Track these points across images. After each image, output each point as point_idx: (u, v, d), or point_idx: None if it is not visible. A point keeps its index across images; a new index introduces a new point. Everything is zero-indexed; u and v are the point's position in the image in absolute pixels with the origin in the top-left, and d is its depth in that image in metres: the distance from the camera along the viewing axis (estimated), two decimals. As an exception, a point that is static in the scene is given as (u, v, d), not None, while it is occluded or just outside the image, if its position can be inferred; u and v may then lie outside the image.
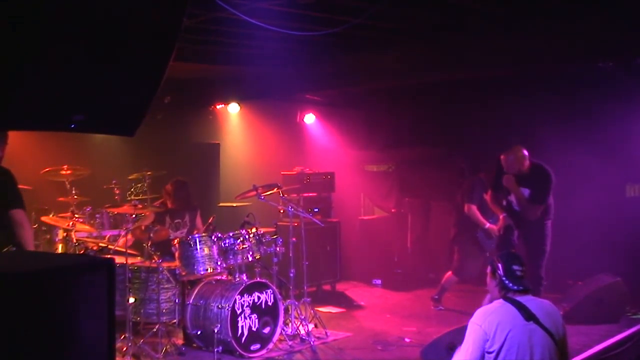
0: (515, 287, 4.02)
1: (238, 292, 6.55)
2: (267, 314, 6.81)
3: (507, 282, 4.03)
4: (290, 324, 7.22)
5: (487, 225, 8.24)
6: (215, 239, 6.87)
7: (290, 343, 6.97)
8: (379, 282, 10.38)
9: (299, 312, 7.34)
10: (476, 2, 6.36)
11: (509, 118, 9.37)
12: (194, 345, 6.80)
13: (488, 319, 3.91)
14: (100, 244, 7.21)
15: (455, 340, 5.36)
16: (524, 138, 9.27)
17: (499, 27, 7.12)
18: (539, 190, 7.57)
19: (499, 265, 4.10)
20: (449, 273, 8.57)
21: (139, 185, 8.35)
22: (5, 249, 5.09)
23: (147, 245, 7.02)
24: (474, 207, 8.27)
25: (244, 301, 6.62)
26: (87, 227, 7.52)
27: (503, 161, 7.61)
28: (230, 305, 6.45)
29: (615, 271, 8.00)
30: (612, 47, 6.72)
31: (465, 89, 9.48)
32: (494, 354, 3.87)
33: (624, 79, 7.86)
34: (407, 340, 7.33)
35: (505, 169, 7.60)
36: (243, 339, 6.56)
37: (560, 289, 8.60)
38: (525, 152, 7.59)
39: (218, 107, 10.56)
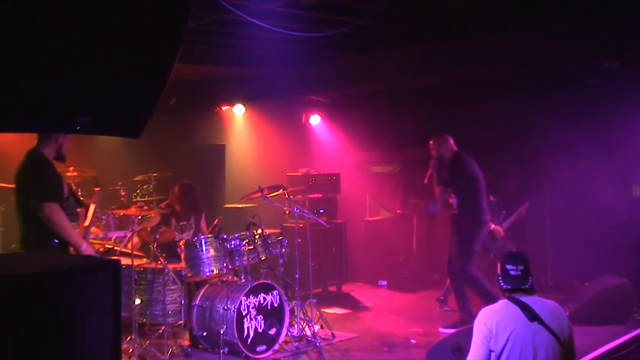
0: (506, 287, 4.03)
1: (244, 293, 6.56)
2: (272, 315, 6.81)
3: (500, 281, 4.07)
4: (296, 325, 7.22)
5: (492, 226, 8.23)
6: (221, 241, 6.87)
7: (296, 344, 6.97)
8: (384, 283, 10.37)
9: (304, 313, 7.34)
10: (477, 3, 6.36)
11: (514, 118, 9.37)
12: (200, 346, 6.81)
13: (491, 318, 3.93)
14: (106, 246, 7.22)
15: (461, 341, 5.38)
16: (528, 138, 9.30)
17: (502, 27, 7.11)
18: (447, 174, 7.81)
19: (498, 265, 4.14)
20: (453, 273, 8.56)
21: (145, 186, 8.35)
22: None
23: (153, 246, 7.04)
24: (477, 208, 8.26)
25: (249, 302, 6.63)
26: (93, 229, 7.53)
27: (431, 145, 7.97)
28: (236, 307, 6.46)
29: (622, 272, 7.98)
30: (617, 47, 6.70)
31: (469, 90, 9.48)
32: (497, 353, 3.88)
33: (630, 79, 7.85)
34: (413, 341, 7.32)
35: (433, 153, 7.94)
36: (249, 340, 6.57)
37: (566, 289, 8.59)
38: (451, 140, 7.90)
39: (223, 108, 10.57)
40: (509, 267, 4.07)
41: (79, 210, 5.54)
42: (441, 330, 7.62)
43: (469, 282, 7.74)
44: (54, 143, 5.32)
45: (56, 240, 5.13)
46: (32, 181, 5.23)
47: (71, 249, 5.19)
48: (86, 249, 5.26)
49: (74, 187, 5.71)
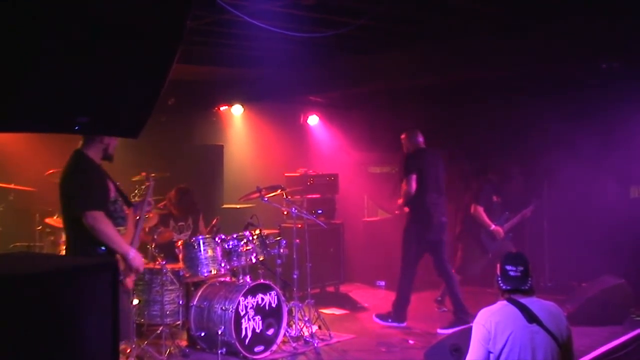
0: (505, 287, 4.03)
1: (242, 293, 6.56)
2: (270, 315, 6.81)
3: (500, 282, 4.06)
4: (293, 326, 7.21)
5: (493, 227, 8.24)
6: (219, 241, 6.87)
7: (294, 345, 6.97)
8: (382, 283, 10.37)
9: (302, 313, 7.34)
10: (477, 3, 6.36)
11: (513, 119, 9.38)
12: (198, 347, 6.81)
13: (490, 319, 3.93)
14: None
15: (459, 342, 5.38)
16: (527, 139, 9.30)
17: (502, 27, 7.12)
18: (406, 164, 7.95)
19: (498, 266, 4.14)
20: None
21: (143, 187, 8.35)
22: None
23: (151, 247, 7.03)
24: (480, 209, 8.27)
25: (247, 303, 6.63)
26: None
27: (402, 139, 8.12)
28: (234, 307, 6.45)
29: (620, 273, 8.00)
30: (617, 48, 6.71)
31: (468, 90, 9.48)
32: (496, 355, 3.87)
33: (629, 80, 7.86)
34: (410, 342, 7.32)
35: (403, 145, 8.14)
36: (247, 340, 6.56)
37: (564, 290, 8.60)
38: (419, 137, 8.03)
39: (222, 108, 10.57)
40: (508, 267, 4.07)
41: (127, 211, 5.24)
42: (439, 331, 7.64)
43: (401, 274, 8.01)
44: (99, 143, 5.02)
45: (102, 248, 4.85)
46: (75, 187, 4.91)
47: (118, 256, 4.89)
48: (134, 257, 4.94)
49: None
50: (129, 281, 5.00)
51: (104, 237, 4.80)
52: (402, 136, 8.14)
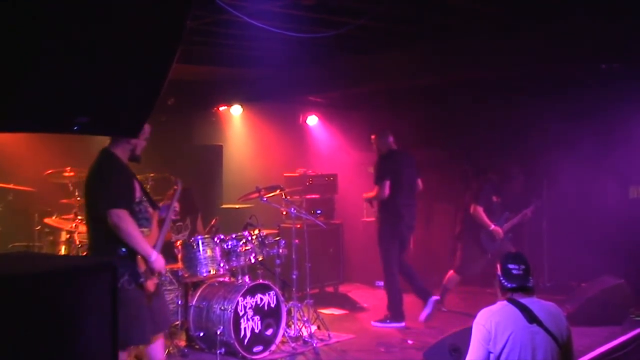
0: (510, 285, 4.02)
1: (241, 294, 6.55)
2: (269, 315, 6.81)
3: (503, 281, 4.05)
4: (292, 326, 7.21)
5: (492, 227, 8.24)
6: (217, 241, 6.87)
7: (292, 345, 6.97)
8: (381, 284, 10.32)
9: (301, 314, 7.34)
10: (477, 3, 6.36)
11: (513, 119, 9.38)
12: (197, 347, 6.81)
13: (490, 319, 3.92)
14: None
15: (458, 342, 5.38)
16: (527, 139, 9.30)
17: (501, 28, 7.12)
18: (379, 168, 8.09)
19: (498, 266, 4.13)
20: (451, 272, 8.58)
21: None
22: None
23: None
24: (479, 209, 8.27)
25: (246, 303, 6.62)
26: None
27: (372, 140, 8.31)
28: (233, 307, 6.45)
29: (619, 273, 8.00)
30: (617, 48, 6.71)
31: (467, 91, 9.48)
32: (496, 355, 3.87)
33: (628, 81, 7.87)
34: (410, 342, 7.32)
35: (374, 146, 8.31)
36: (246, 340, 6.56)
37: (563, 290, 8.60)
38: (390, 138, 8.16)
39: (221, 109, 10.57)
40: (511, 266, 4.07)
41: (152, 213, 5.15)
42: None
43: (385, 275, 8.27)
44: (126, 144, 4.94)
45: (124, 249, 4.77)
46: (100, 185, 4.83)
47: (139, 257, 4.81)
48: (156, 260, 4.85)
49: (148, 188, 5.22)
50: (151, 284, 4.89)
51: (127, 237, 4.72)
52: (373, 137, 8.29)
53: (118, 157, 4.92)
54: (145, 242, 4.85)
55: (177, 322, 7.01)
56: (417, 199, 8.29)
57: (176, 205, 5.42)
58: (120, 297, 4.71)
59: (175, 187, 5.66)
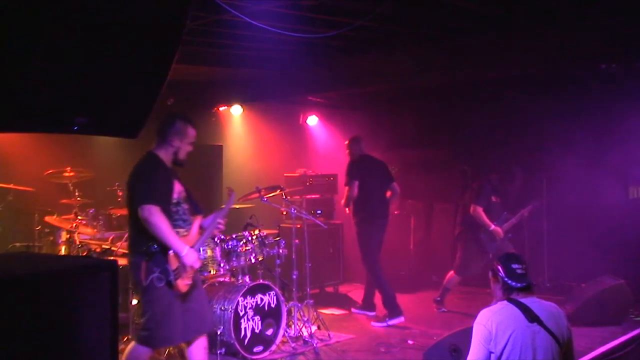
0: (518, 285, 4.02)
1: (241, 294, 6.55)
2: (270, 316, 6.81)
3: (509, 281, 4.03)
4: (293, 326, 7.22)
5: (492, 227, 8.23)
6: (218, 241, 6.86)
7: (293, 345, 6.97)
8: (382, 284, 10.35)
9: (301, 314, 7.34)
10: (478, 4, 6.36)
11: (512, 120, 9.38)
12: (197, 347, 6.80)
13: (491, 319, 3.92)
14: (103, 246, 7.21)
15: (458, 342, 5.37)
16: (526, 139, 9.31)
17: (501, 28, 7.12)
18: (349, 170, 8.46)
19: (499, 267, 4.11)
20: (451, 272, 8.57)
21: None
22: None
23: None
24: (479, 209, 8.26)
25: (246, 303, 6.62)
26: (90, 229, 7.52)
27: (346, 146, 8.70)
28: (233, 307, 6.45)
29: (619, 273, 8.00)
30: (615, 50, 6.71)
31: (468, 91, 9.49)
32: (497, 355, 3.87)
33: (627, 81, 7.87)
34: (410, 342, 7.32)
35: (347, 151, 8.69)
36: (246, 340, 6.56)
37: (563, 291, 8.61)
38: (362, 144, 8.62)
39: (221, 109, 10.57)
40: (515, 266, 4.07)
41: (193, 218, 5.25)
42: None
43: (370, 275, 8.45)
44: (169, 147, 5.08)
45: (155, 246, 4.82)
46: (136, 182, 4.94)
47: (171, 253, 4.84)
48: (188, 254, 4.88)
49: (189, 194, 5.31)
50: (182, 284, 4.90)
51: (157, 231, 4.76)
52: (346, 143, 8.69)
53: (160, 159, 5.03)
54: (175, 236, 4.89)
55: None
56: (392, 201, 8.64)
57: (221, 222, 5.53)
58: (150, 294, 4.79)
59: (230, 194, 5.78)
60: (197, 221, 5.30)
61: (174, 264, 4.86)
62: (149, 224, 4.74)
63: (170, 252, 4.85)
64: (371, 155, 8.66)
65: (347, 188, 8.36)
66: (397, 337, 7.52)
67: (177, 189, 5.11)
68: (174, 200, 5.04)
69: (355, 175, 8.33)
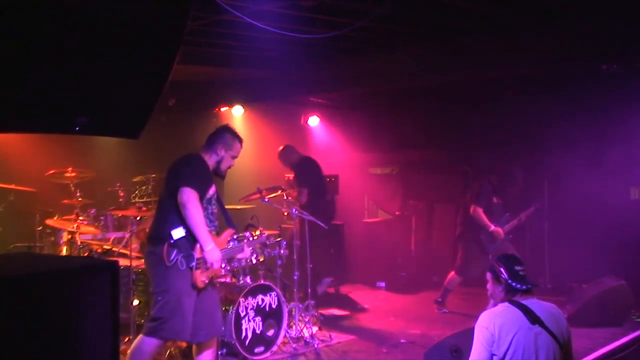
0: (523, 287, 4.02)
1: (242, 294, 6.55)
2: (271, 316, 6.81)
3: (513, 283, 4.03)
4: (294, 327, 7.22)
5: (492, 228, 8.23)
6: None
7: (294, 346, 6.97)
8: (382, 284, 10.37)
9: (302, 314, 7.34)
10: (479, 4, 6.36)
11: (513, 120, 9.38)
12: (198, 347, 6.80)
13: (493, 322, 3.91)
14: (105, 246, 7.22)
15: (459, 343, 5.37)
16: (527, 140, 9.30)
17: (501, 28, 7.12)
18: (298, 176, 8.73)
19: (501, 269, 4.10)
20: (452, 273, 8.57)
21: (143, 187, 8.36)
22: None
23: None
24: (479, 210, 8.26)
25: (248, 304, 6.62)
26: (91, 230, 7.53)
27: (278, 155, 8.97)
28: (234, 308, 6.45)
29: (620, 274, 7.99)
30: (616, 50, 6.71)
31: (469, 91, 9.48)
32: (499, 357, 3.87)
33: (629, 82, 7.86)
34: (411, 343, 7.31)
35: (281, 162, 8.98)
36: (247, 341, 6.56)
37: (564, 291, 8.60)
38: (296, 149, 8.98)
39: (222, 109, 10.57)
40: (517, 268, 4.07)
41: (217, 222, 5.37)
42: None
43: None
44: (214, 154, 5.29)
45: (183, 233, 4.93)
46: (182, 168, 5.09)
47: (198, 247, 4.98)
48: (211, 250, 4.98)
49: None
50: (200, 277, 4.99)
51: (191, 218, 4.87)
52: (280, 150, 8.95)
53: (205, 160, 5.23)
54: (205, 229, 4.99)
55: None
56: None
57: (247, 250, 5.84)
58: (168, 279, 4.89)
59: (257, 232, 5.94)
60: (229, 232, 5.45)
61: (198, 253, 4.97)
62: (186, 208, 4.85)
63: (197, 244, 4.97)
64: (310, 158, 9.02)
65: (297, 193, 8.47)
66: (398, 338, 7.52)
67: (213, 189, 5.26)
68: (208, 196, 5.18)
69: (303, 180, 8.61)
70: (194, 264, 4.93)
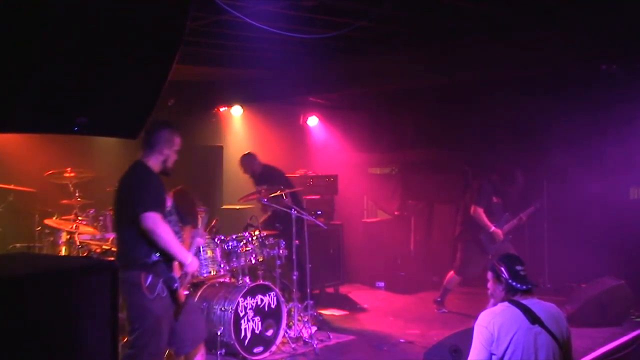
0: (524, 287, 4.01)
1: (241, 294, 6.55)
2: (270, 316, 6.81)
3: (514, 283, 4.03)
4: (293, 327, 7.21)
5: (492, 228, 8.22)
6: (218, 242, 6.86)
7: (293, 346, 6.97)
8: (382, 284, 10.36)
9: (302, 314, 7.34)
10: (479, 4, 6.36)
11: (512, 121, 9.37)
12: (197, 347, 6.79)
13: (493, 321, 3.91)
14: (104, 247, 7.20)
15: (458, 343, 5.37)
16: (527, 140, 9.30)
17: (501, 30, 7.12)
18: (272, 183, 8.26)
19: (502, 269, 4.09)
20: (451, 273, 8.56)
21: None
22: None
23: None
24: (480, 210, 8.25)
25: (247, 304, 6.62)
26: (90, 230, 7.52)
27: (240, 164, 8.97)
28: (234, 308, 6.45)
29: (619, 274, 7.99)
30: (616, 50, 6.71)
31: (468, 92, 9.48)
32: (498, 357, 3.87)
33: (628, 82, 7.86)
34: (410, 342, 7.31)
35: (243, 171, 8.95)
36: (246, 341, 6.56)
37: (563, 291, 8.60)
38: (258, 156, 8.93)
39: (221, 109, 10.57)
40: (518, 268, 4.07)
41: (180, 227, 5.15)
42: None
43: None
44: (159, 155, 4.93)
45: (156, 255, 4.71)
46: (134, 189, 4.80)
47: (176, 263, 4.80)
48: (192, 262, 4.86)
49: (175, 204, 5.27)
50: (182, 293, 4.83)
51: (162, 241, 4.67)
52: (243, 161, 8.91)
53: (152, 169, 4.92)
54: (180, 245, 4.84)
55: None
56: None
57: (200, 232, 5.48)
58: (146, 308, 4.64)
59: (201, 214, 5.67)
60: (188, 232, 5.25)
61: (177, 271, 4.81)
62: (154, 233, 4.63)
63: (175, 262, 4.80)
64: (270, 165, 8.94)
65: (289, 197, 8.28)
66: (398, 338, 7.51)
67: (169, 201, 5.03)
68: (167, 209, 4.95)
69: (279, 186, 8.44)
70: (177, 284, 4.77)
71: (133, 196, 4.76)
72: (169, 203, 5.01)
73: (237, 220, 8.84)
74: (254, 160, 8.86)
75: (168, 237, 4.70)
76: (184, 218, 5.26)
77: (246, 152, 9.01)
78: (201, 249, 6.74)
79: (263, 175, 8.69)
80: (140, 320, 4.71)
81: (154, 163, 4.94)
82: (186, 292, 4.93)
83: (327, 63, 8.69)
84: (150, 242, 4.66)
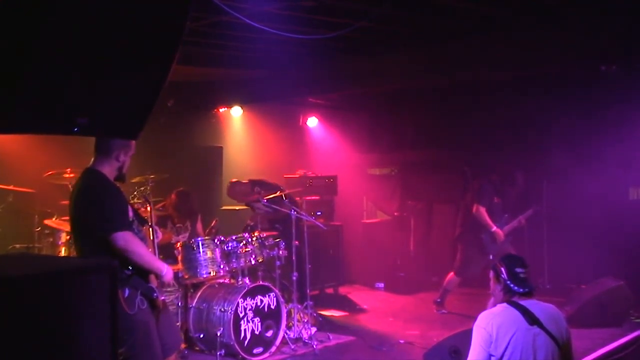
0: (521, 290, 4.01)
1: (241, 295, 6.55)
2: (269, 317, 6.81)
3: (511, 285, 4.02)
4: (292, 328, 7.21)
5: (494, 228, 8.22)
6: (218, 242, 6.86)
7: (292, 346, 6.96)
8: (381, 285, 10.37)
9: (301, 315, 7.33)
10: (478, 4, 6.36)
11: (512, 121, 9.38)
12: (197, 348, 6.80)
13: (491, 322, 3.91)
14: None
15: (458, 343, 5.37)
16: (527, 140, 9.31)
17: (501, 30, 7.12)
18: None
19: (502, 269, 4.09)
20: (451, 274, 8.56)
21: (142, 188, 8.34)
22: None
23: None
24: (482, 209, 8.24)
25: (246, 304, 6.62)
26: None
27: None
28: (233, 309, 6.45)
29: (619, 275, 7.99)
30: (616, 50, 6.71)
31: (468, 92, 9.48)
32: (497, 358, 3.87)
33: (628, 82, 7.87)
34: (410, 343, 7.31)
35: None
36: (246, 342, 6.56)
37: (563, 292, 8.60)
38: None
39: (221, 110, 10.56)
40: (518, 270, 4.06)
41: (143, 228, 4.89)
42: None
43: None
44: (114, 161, 4.53)
45: (127, 270, 4.43)
46: (95, 208, 4.42)
47: (152, 276, 4.58)
48: (167, 271, 4.59)
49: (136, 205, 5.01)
50: (160, 301, 4.69)
51: (137, 258, 4.42)
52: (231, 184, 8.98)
53: (107, 177, 4.56)
54: (155, 258, 4.71)
55: (177, 324, 7.00)
56: None
57: (157, 228, 5.33)
58: (131, 321, 4.40)
59: (148, 206, 5.55)
60: (147, 231, 5.06)
61: (154, 281, 4.63)
62: (127, 252, 4.36)
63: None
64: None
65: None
66: (397, 338, 7.51)
67: (131, 212, 4.72)
68: (130, 219, 4.65)
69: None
70: (155, 294, 4.58)
71: (97, 214, 4.41)
72: (130, 211, 4.71)
73: (237, 221, 8.84)
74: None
75: (142, 251, 4.47)
76: (142, 219, 4.97)
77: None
78: (201, 250, 6.75)
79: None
80: (128, 331, 4.48)
81: (109, 170, 4.56)
82: (162, 298, 4.79)
83: (327, 63, 8.68)
84: (121, 259, 4.38)
